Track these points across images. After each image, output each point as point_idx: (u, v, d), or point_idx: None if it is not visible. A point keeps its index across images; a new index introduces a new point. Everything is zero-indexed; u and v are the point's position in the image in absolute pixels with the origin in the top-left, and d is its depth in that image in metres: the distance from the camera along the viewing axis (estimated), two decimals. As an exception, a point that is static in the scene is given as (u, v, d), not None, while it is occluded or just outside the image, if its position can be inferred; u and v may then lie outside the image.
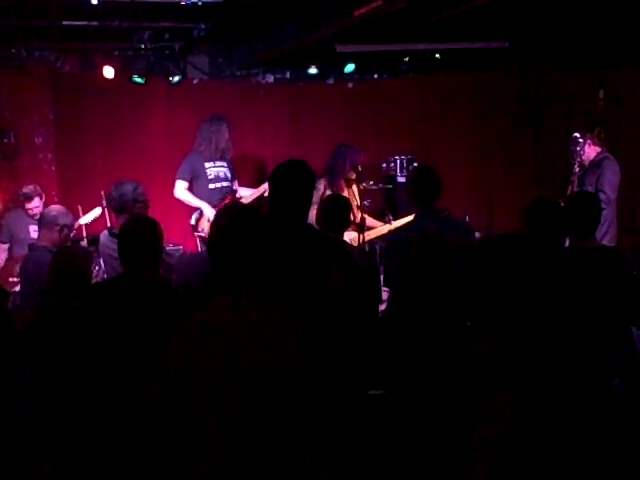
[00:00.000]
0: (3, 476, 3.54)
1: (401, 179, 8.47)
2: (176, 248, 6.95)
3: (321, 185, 6.79)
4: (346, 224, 4.83)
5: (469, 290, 1.73)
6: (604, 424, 1.64)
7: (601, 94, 7.72)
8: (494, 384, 1.67)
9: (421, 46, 7.55)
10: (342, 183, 7.04)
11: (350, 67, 8.55)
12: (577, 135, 7.03)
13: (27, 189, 6.84)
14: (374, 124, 9.08)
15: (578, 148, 6.99)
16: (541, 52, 8.03)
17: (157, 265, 3.53)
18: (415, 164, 8.43)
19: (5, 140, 7.61)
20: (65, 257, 4.15)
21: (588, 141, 7.00)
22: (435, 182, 4.50)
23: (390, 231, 6.23)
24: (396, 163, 8.62)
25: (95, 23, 6.75)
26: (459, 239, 4.21)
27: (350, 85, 9.19)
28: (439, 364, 3.27)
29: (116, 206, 5.08)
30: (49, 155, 7.95)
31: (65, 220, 5.00)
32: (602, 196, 6.66)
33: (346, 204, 4.87)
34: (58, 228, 4.93)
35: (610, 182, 6.80)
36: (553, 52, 7.94)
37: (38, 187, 6.90)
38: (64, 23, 6.73)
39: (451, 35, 7.38)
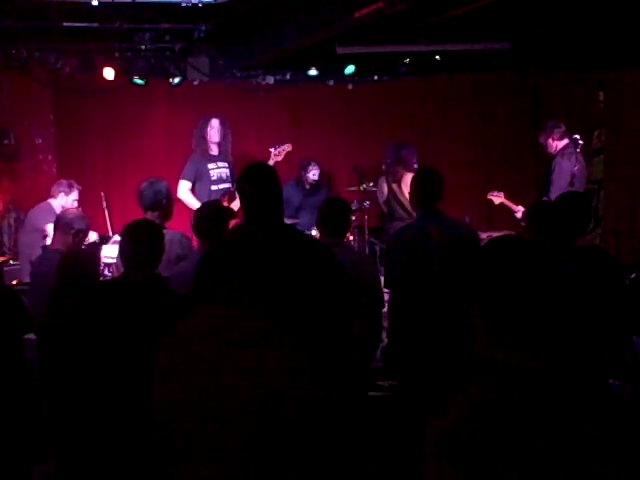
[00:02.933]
0: (7, 477, 3.55)
1: (401, 180, 8.46)
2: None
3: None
4: (347, 228, 4.82)
5: (477, 289, 1.74)
6: (603, 424, 1.64)
7: (601, 96, 7.74)
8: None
9: (421, 47, 7.54)
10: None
11: (350, 68, 8.55)
12: (546, 124, 7.06)
13: (67, 182, 6.74)
14: (374, 125, 9.09)
15: (539, 137, 7.01)
16: (541, 54, 8.04)
17: (156, 266, 3.56)
18: (416, 165, 8.43)
19: (5, 141, 7.61)
20: (70, 262, 4.16)
21: (553, 134, 6.97)
22: (437, 183, 4.50)
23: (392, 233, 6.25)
24: (396, 164, 8.61)
25: (95, 24, 6.75)
26: (459, 241, 4.21)
27: (350, 86, 9.20)
28: (449, 365, 3.28)
29: (149, 204, 5.10)
30: (49, 156, 7.96)
31: (81, 225, 4.99)
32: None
33: (347, 208, 4.86)
34: (73, 232, 4.91)
35: (557, 184, 6.72)
36: (553, 54, 7.94)
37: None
38: (64, 24, 6.73)
39: (451, 36, 7.38)
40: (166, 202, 5.05)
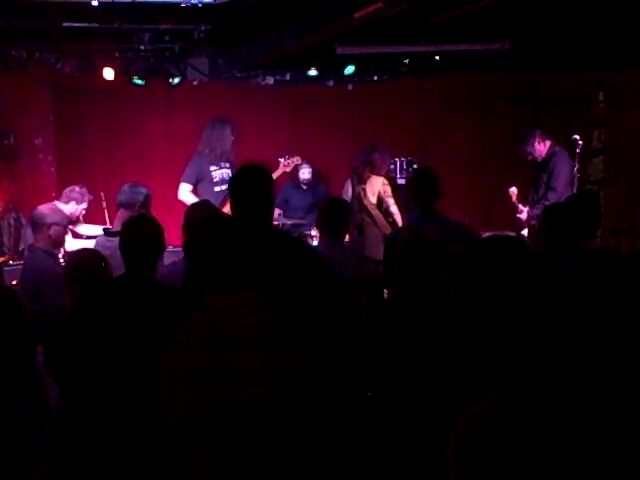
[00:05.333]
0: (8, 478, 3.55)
1: (401, 181, 8.47)
2: (176, 249, 6.94)
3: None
4: (346, 228, 4.83)
5: (469, 289, 1.74)
6: (604, 424, 1.64)
7: (601, 96, 7.74)
8: (491, 385, 1.68)
9: (421, 48, 7.54)
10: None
11: (350, 69, 8.55)
12: (525, 133, 6.99)
13: (80, 191, 6.56)
14: (374, 126, 9.09)
15: (525, 147, 6.92)
16: (541, 54, 8.03)
17: (156, 263, 3.55)
18: (415, 166, 8.44)
19: (5, 141, 7.61)
20: (79, 264, 4.13)
21: (537, 138, 6.90)
22: (434, 184, 4.51)
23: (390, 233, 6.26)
24: (395, 165, 8.62)
25: (95, 25, 6.74)
26: (458, 241, 4.21)
27: (350, 87, 9.20)
28: (432, 365, 3.28)
29: (124, 200, 5.16)
30: (49, 156, 7.96)
31: (53, 218, 4.96)
32: (553, 195, 6.61)
33: (346, 207, 4.87)
34: (46, 227, 4.91)
35: (561, 179, 6.71)
36: (553, 54, 7.94)
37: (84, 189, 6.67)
38: (64, 25, 6.73)
39: (451, 37, 7.37)
40: (139, 207, 5.12)
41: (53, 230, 4.91)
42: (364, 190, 7.01)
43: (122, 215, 5.00)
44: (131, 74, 7.88)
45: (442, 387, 3.17)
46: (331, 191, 8.60)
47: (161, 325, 3.16)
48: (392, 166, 8.66)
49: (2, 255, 7.26)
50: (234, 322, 2.22)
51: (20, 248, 7.33)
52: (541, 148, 6.89)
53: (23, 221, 7.38)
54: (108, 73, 7.63)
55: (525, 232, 6.82)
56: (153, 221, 3.72)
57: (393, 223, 6.91)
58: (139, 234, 3.48)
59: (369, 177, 7.06)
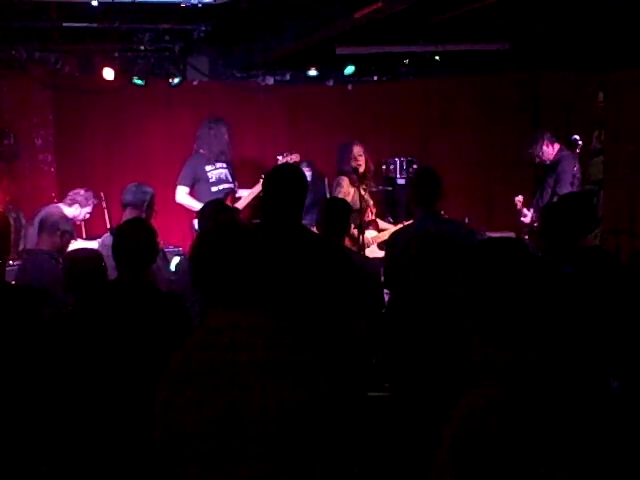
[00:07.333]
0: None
1: (401, 181, 8.48)
2: (176, 249, 6.95)
3: (343, 182, 6.87)
4: (346, 228, 4.82)
5: (467, 291, 1.74)
6: (603, 425, 1.64)
7: (600, 96, 7.73)
8: (485, 383, 1.68)
9: (421, 48, 7.55)
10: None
11: (350, 69, 8.55)
12: (535, 135, 6.92)
13: (85, 195, 6.52)
14: (374, 126, 9.08)
15: (533, 149, 6.83)
16: (541, 54, 8.04)
17: (149, 266, 3.52)
18: (415, 166, 8.44)
19: (5, 141, 7.60)
20: (78, 260, 4.12)
21: (546, 141, 6.83)
22: (436, 184, 4.50)
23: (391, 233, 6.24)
24: (396, 165, 8.62)
25: (95, 25, 6.76)
26: (459, 242, 4.21)
27: (350, 87, 9.20)
28: (440, 364, 3.28)
29: (131, 200, 5.16)
30: (49, 157, 7.95)
31: (67, 226, 4.98)
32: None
33: (347, 208, 4.86)
34: (59, 233, 4.90)
35: (568, 186, 6.65)
36: (553, 54, 7.94)
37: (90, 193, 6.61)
38: (64, 25, 6.74)
39: (451, 37, 7.38)
40: (147, 207, 5.17)
41: (66, 238, 4.93)
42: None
43: (130, 215, 4.97)
44: (131, 74, 7.88)
45: (446, 387, 3.16)
46: (331, 191, 8.60)
47: (152, 328, 3.16)
48: (392, 166, 8.67)
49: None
50: (240, 344, 2.09)
51: (20, 248, 7.33)
52: (549, 151, 6.81)
53: (23, 221, 7.37)
54: (108, 73, 7.62)
55: (527, 237, 6.73)
56: (146, 224, 3.69)
57: None
58: (132, 237, 3.44)
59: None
